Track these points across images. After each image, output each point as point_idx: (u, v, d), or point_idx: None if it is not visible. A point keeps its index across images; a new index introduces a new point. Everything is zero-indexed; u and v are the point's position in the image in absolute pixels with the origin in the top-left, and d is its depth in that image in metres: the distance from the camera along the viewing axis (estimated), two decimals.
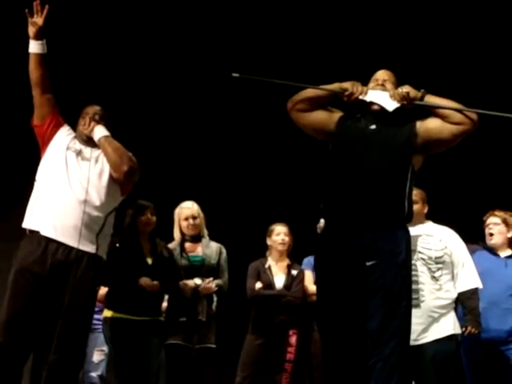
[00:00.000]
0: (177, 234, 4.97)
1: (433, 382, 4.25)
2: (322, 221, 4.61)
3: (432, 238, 4.41)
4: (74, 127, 3.96)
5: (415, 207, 4.41)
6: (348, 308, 3.33)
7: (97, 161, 3.82)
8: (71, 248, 3.66)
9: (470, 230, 4.85)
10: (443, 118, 3.43)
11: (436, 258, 4.35)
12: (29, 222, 3.74)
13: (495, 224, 4.83)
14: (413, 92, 3.48)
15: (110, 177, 3.82)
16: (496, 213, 4.85)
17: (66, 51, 5.76)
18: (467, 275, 4.43)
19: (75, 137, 3.91)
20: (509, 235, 4.84)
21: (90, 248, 3.70)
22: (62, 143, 3.84)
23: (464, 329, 4.41)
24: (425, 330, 4.26)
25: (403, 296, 3.38)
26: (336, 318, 3.36)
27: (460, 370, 4.79)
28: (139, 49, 6.21)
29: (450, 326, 4.33)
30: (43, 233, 3.66)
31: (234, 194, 6.47)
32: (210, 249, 4.94)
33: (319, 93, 3.54)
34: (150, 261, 4.66)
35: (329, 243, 3.46)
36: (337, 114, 3.61)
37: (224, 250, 5.02)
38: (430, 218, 4.58)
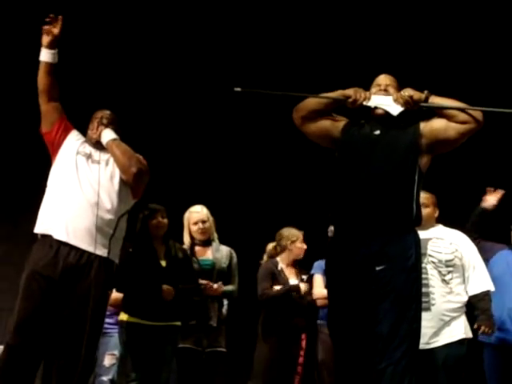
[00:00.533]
0: (186, 239, 4.97)
1: None
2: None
3: (442, 242, 4.40)
4: (84, 133, 3.98)
5: (426, 211, 4.42)
6: (359, 313, 3.34)
7: (107, 164, 3.83)
8: (83, 251, 3.66)
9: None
10: (448, 118, 3.43)
11: (446, 261, 4.33)
12: (41, 227, 3.75)
13: None
14: (416, 95, 3.48)
15: (121, 179, 3.82)
16: None
17: (77, 58, 5.80)
18: (479, 278, 4.41)
19: (85, 141, 3.93)
20: None
21: (102, 251, 3.70)
22: (71, 148, 3.86)
23: (477, 327, 4.38)
24: (436, 334, 4.25)
25: (413, 299, 3.37)
26: (347, 323, 3.36)
27: (472, 374, 4.77)
28: (149, 54, 6.24)
29: (461, 330, 4.31)
30: (56, 237, 3.67)
31: (243, 198, 6.49)
32: (220, 253, 4.95)
33: (322, 101, 3.56)
34: (163, 263, 4.67)
35: (339, 249, 3.46)
36: (341, 122, 3.62)
37: (234, 254, 5.03)
38: (440, 221, 4.58)
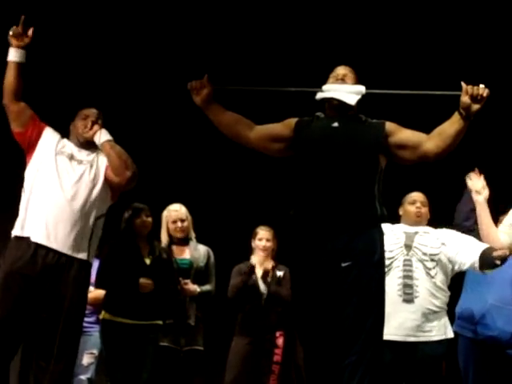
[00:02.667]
0: (164, 237, 4.99)
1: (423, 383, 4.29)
2: None
3: (429, 235, 4.42)
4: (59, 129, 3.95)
5: (425, 210, 4.49)
6: (325, 309, 3.33)
7: (91, 165, 3.81)
8: (62, 254, 3.65)
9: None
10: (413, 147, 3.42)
11: (431, 254, 4.35)
12: (20, 231, 3.71)
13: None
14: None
15: (104, 182, 3.81)
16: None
17: (56, 56, 5.82)
18: (475, 244, 4.37)
19: (62, 138, 3.89)
20: None
21: (81, 255, 3.70)
22: (49, 147, 3.82)
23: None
24: (418, 328, 4.25)
25: (379, 295, 3.39)
26: (314, 320, 3.36)
27: (452, 372, 4.82)
28: (130, 51, 6.25)
29: (442, 329, 4.33)
30: (34, 239, 3.65)
31: (220, 196, 6.50)
32: (197, 252, 4.98)
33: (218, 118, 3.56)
34: (148, 261, 4.69)
35: (303, 247, 3.42)
36: (290, 121, 3.56)
37: (212, 254, 5.06)
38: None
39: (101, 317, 4.77)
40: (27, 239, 3.66)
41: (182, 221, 4.96)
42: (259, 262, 5.19)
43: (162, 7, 6.17)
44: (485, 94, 3.25)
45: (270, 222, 5.35)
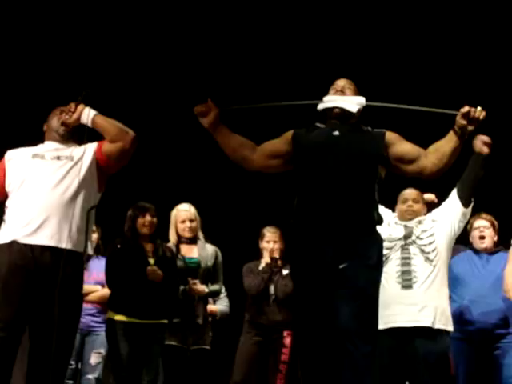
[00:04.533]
0: (173, 236, 5.00)
1: (427, 382, 4.27)
2: None
3: (425, 221, 4.45)
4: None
5: (417, 206, 4.52)
6: (324, 310, 3.35)
7: (71, 159, 3.72)
8: (56, 249, 3.57)
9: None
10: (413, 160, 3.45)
11: (430, 243, 4.38)
12: (4, 237, 3.62)
13: (485, 227, 4.83)
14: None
15: (88, 173, 3.72)
16: (484, 216, 4.84)
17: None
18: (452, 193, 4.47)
19: (35, 146, 3.81)
20: (495, 239, 4.85)
21: (75, 247, 3.63)
22: (21, 163, 3.72)
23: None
24: (418, 313, 4.25)
25: (374, 296, 3.43)
26: (312, 321, 3.38)
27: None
28: (136, 52, 6.30)
29: (443, 319, 4.31)
30: (22, 240, 3.57)
31: (227, 196, 6.52)
32: (205, 251, 4.99)
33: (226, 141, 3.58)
34: (152, 261, 4.69)
35: (302, 251, 3.45)
36: (287, 134, 3.58)
37: (220, 253, 5.07)
38: None
39: (106, 316, 4.78)
40: (16, 243, 3.57)
41: (191, 220, 4.97)
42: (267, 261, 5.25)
43: (162, 27, 6.23)
44: (481, 117, 3.29)
45: (277, 221, 5.37)
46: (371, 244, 3.43)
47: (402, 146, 3.47)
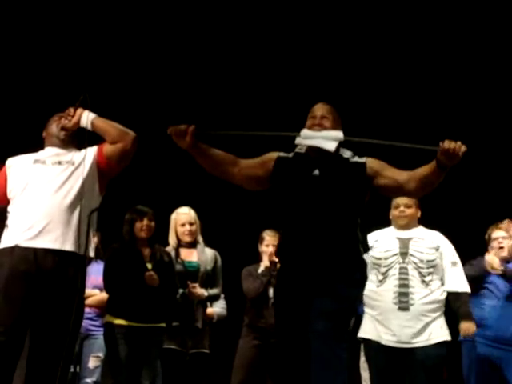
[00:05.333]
0: (172, 240, 5.00)
1: None
2: None
3: (424, 241, 4.50)
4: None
5: (409, 211, 4.55)
6: (304, 316, 3.35)
7: (72, 163, 3.73)
8: (59, 251, 3.58)
9: (460, 234, 4.92)
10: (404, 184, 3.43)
11: (428, 261, 4.43)
12: (7, 242, 3.63)
13: (504, 238, 4.87)
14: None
15: (89, 176, 3.73)
16: (501, 226, 4.87)
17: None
18: (458, 277, 4.52)
19: (35, 152, 3.81)
20: None
21: (77, 249, 3.64)
22: (23, 169, 3.74)
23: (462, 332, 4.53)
24: (416, 335, 4.34)
25: (352, 307, 3.47)
26: (294, 329, 3.39)
27: (453, 374, 4.86)
28: (139, 54, 6.33)
29: (440, 332, 4.41)
30: (25, 244, 3.57)
31: (227, 200, 6.51)
32: (205, 255, 4.99)
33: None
34: (149, 266, 4.69)
35: (285, 277, 3.49)
36: (270, 158, 3.55)
37: (219, 257, 5.07)
38: (421, 222, 4.67)
39: (104, 320, 4.78)
40: (17, 246, 3.58)
41: (191, 224, 4.97)
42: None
43: (155, 32, 6.27)
44: (461, 153, 3.24)
45: (276, 225, 5.36)
46: (354, 282, 3.41)
47: (385, 174, 3.44)
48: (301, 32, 6.34)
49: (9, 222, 3.69)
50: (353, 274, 3.38)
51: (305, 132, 3.46)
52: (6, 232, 3.67)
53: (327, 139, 3.41)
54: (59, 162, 3.73)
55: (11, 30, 6.22)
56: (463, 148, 3.24)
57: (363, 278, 3.49)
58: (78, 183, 3.68)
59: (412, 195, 3.51)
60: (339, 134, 3.44)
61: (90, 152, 3.77)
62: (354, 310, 3.59)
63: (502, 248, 4.89)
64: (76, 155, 3.75)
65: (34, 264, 3.55)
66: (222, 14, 6.32)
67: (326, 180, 3.40)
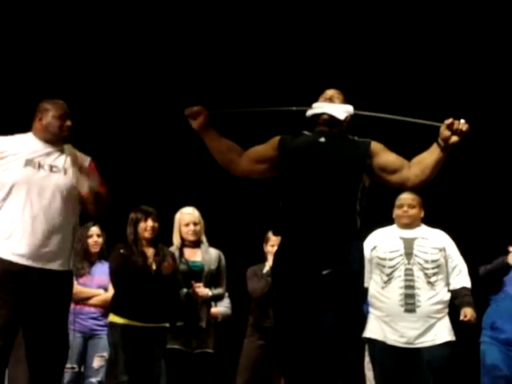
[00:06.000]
0: (176, 239, 5.00)
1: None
2: None
3: (428, 241, 4.48)
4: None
5: (413, 211, 4.54)
6: (306, 316, 3.37)
7: (65, 172, 3.63)
8: (48, 270, 3.54)
9: (463, 233, 4.91)
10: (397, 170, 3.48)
11: (433, 261, 4.41)
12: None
13: None
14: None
15: (75, 191, 3.64)
16: None
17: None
18: (462, 275, 4.51)
19: (21, 134, 3.68)
20: None
21: (65, 266, 3.61)
22: (13, 165, 3.56)
23: (464, 316, 4.46)
24: (421, 335, 4.33)
25: (356, 304, 3.47)
26: (295, 327, 3.39)
27: (459, 376, 4.83)
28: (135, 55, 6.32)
29: (445, 332, 4.40)
30: (16, 260, 3.49)
31: (231, 200, 6.52)
32: (209, 255, 4.98)
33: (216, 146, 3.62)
34: (154, 266, 4.70)
35: (285, 257, 3.49)
36: (273, 140, 3.62)
37: (223, 257, 5.07)
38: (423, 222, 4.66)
39: (108, 320, 4.79)
40: (7, 261, 3.50)
41: (195, 224, 4.96)
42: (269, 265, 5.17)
43: (153, 29, 6.26)
44: (464, 129, 3.34)
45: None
46: (352, 249, 3.45)
47: (386, 156, 3.50)
48: (305, 22, 6.32)
49: (4, 230, 3.53)
50: (349, 244, 3.43)
51: (316, 104, 3.60)
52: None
53: (338, 109, 3.55)
54: (51, 168, 3.60)
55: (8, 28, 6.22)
56: (467, 126, 3.33)
57: (361, 264, 3.49)
58: (67, 194, 3.59)
59: (410, 181, 3.46)
60: (349, 108, 3.59)
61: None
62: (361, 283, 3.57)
63: None
64: (68, 161, 3.64)
65: (23, 267, 3.50)
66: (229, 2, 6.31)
67: (330, 146, 3.48)
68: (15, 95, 5.95)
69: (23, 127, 3.73)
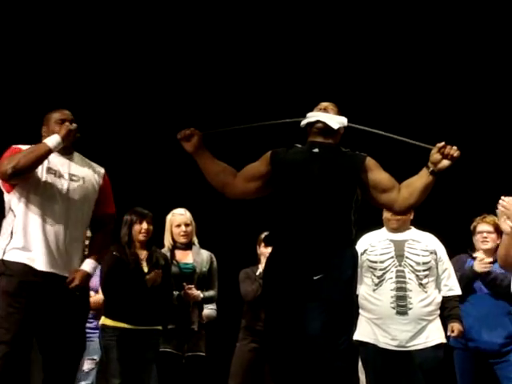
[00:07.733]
0: (168, 241, 4.98)
1: None
2: None
3: (419, 244, 4.47)
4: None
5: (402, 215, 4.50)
6: (295, 322, 3.36)
7: (84, 181, 3.71)
8: (65, 278, 3.60)
9: (451, 236, 4.89)
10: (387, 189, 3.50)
11: (424, 263, 4.40)
12: (15, 256, 3.57)
13: (489, 232, 4.78)
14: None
15: (92, 199, 3.74)
16: (487, 220, 4.79)
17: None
18: (451, 281, 4.50)
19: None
20: (498, 242, 4.77)
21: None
22: (36, 173, 3.60)
23: (451, 331, 4.48)
24: (412, 338, 4.33)
25: (348, 310, 3.46)
26: (284, 332, 3.39)
27: (450, 378, 4.83)
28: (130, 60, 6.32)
29: (437, 334, 4.40)
30: (38, 267, 3.54)
31: (223, 202, 6.48)
32: (200, 256, 4.96)
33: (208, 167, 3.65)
34: (146, 269, 4.68)
35: (277, 262, 3.49)
36: (265, 155, 3.62)
37: (214, 259, 5.05)
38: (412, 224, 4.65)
39: (100, 322, 4.76)
40: (29, 267, 3.54)
41: (187, 225, 4.95)
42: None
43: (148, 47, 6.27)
44: (455, 155, 3.36)
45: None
46: (345, 257, 3.44)
47: (379, 174, 3.51)
48: (302, 32, 6.33)
49: (15, 229, 3.58)
50: (343, 251, 3.43)
51: (310, 113, 3.61)
52: (12, 240, 3.57)
53: (332, 119, 3.55)
54: (71, 177, 3.66)
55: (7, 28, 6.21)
56: (457, 152, 3.36)
57: (354, 273, 3.49)
58: (86, 203, 3.70)
59: (397, 204, 3.47)
60: (343, 119, 3.60)
61: (99, 178, 3.78)
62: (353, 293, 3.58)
63: (486, 242, 4.77)
64: (85, 171, 3.73)
65: (40, 277, 3.53)
66: (224, 11, 6.30)
67: (324, 157, 3.48)
68: (20, 108, 5.96)
69: (31, 138, 3.77)
